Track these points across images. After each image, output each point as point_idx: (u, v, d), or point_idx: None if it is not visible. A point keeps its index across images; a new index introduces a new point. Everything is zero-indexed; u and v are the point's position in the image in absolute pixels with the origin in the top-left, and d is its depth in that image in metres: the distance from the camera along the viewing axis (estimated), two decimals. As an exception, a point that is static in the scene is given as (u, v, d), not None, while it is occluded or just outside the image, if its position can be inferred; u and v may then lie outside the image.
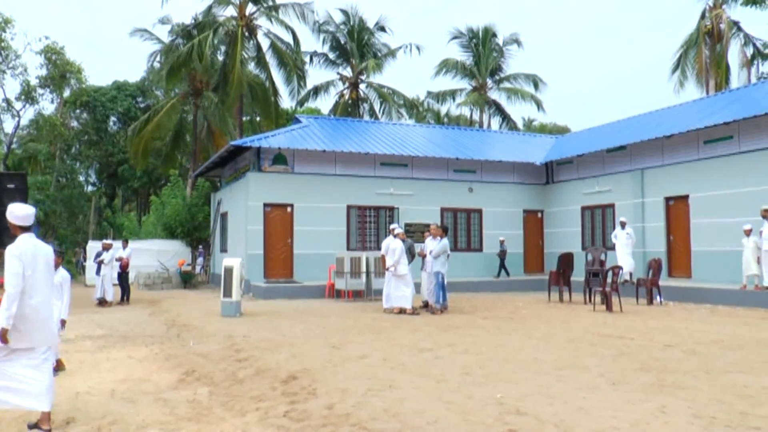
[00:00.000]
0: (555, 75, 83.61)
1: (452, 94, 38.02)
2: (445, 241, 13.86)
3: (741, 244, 15.37)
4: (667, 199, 19.10)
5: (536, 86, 36.99)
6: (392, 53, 34.62)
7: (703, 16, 31.50)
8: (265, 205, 19.54)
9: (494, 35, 36.94)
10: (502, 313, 13.50)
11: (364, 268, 16.91)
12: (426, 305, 14.11)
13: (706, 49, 31.04)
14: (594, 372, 6.94)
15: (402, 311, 13.47)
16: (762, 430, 4.75)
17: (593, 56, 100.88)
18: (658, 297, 15.53)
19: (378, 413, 5.28)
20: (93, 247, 23.56)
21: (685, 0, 59.66)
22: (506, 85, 37.86)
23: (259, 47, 30.10)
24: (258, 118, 35.73)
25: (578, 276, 18.31)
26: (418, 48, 34.35)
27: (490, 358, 7.88)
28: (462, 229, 22.26)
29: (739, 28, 31.76)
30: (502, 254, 21.39)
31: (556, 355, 8.06)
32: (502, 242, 21.60)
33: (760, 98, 18.37)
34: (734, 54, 31.75)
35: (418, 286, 14.71)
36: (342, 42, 33.76)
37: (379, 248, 16.86)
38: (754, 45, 32.47)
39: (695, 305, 15.06)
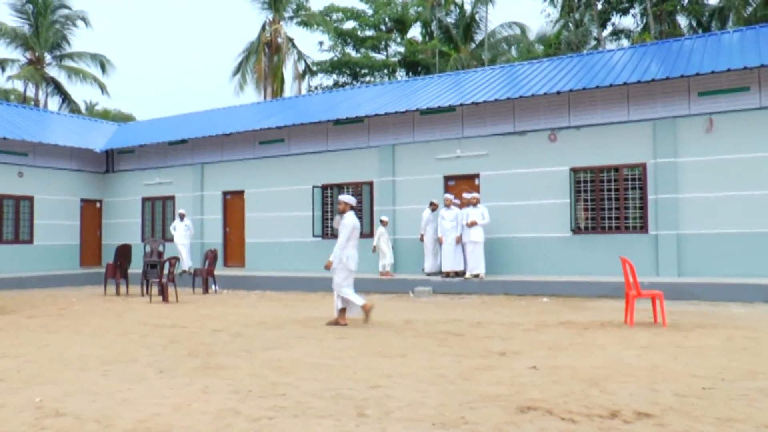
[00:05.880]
0: (124, 59, 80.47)
1: (2, 64, 33.61)
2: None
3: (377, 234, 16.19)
4: (225, 194, 20.20)
5: (104, 68, 35.03)
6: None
7: (264, 28, 34.06)
8: None
9: (58, 6, 33.88)
10: (51, 311, 12.49)
11: None
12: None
13: (266, 59, 33.66)
14: (143, 363, 6.94)
15: None
16: (287, 394, 5.38)
17: (163, 46, 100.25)
18: (213, 286, 16.29)
19: None
20: None
21: (251, 8, 63.26)
22: (69, 63, 35.04)
23: None
24: None
25: (137, 268, 18.08)
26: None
27: (32, 360, 7.23)
28: (9, 218, 19.87)
29: (294, 45, 35.25)
30: None
31: (105, 350, 7.81)
32: None
33: (308, 108, 20.77)
34: (289, 67, 35.14)
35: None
36: None
37: None
38: (306, 62, 36.50)
39: (247, 292, 16.24)
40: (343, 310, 9.70)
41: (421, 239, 15.88)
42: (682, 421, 4.44)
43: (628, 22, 35.13)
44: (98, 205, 22.80)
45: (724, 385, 5.51)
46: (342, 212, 9.85)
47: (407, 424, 4.49)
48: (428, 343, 7.91)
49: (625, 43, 32.64)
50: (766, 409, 4.72)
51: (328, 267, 9.75)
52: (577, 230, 15.17)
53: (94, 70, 35.02)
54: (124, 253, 16.26)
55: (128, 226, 22.16)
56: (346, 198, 9.95)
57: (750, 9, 27.52)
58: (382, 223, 16.12)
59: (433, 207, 15.73)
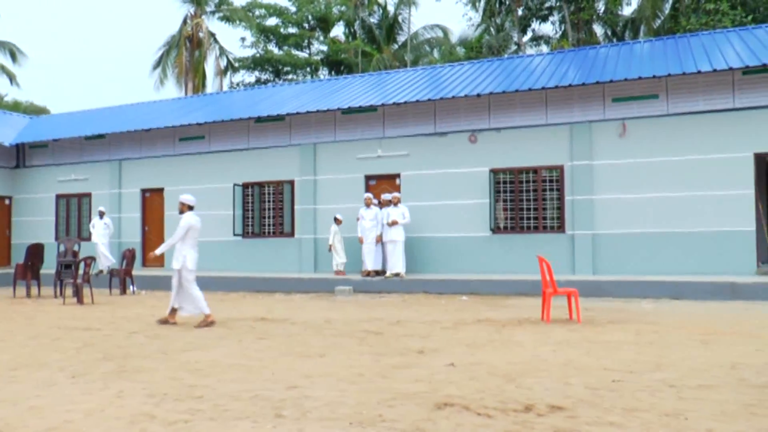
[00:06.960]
0: (37, 49, 76.86)
1: None
2: None
3: (330, 231, 15.97)
4: (144, 191, 19.63)
5: (14, 57, 33.23)
6: None
7: (185, 22, 33.30)
8: None
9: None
10: (-48, 313, 11.84)
11: None
12: None
13: (187, 53, 32.91)
14: (54, 367, 6.66)
15: None
16: (204, 396, 5.28)
17: (80, 36, 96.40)
18: (131, 286, 15.80)
19: None
20: None
21: (171, 1, 61.52)
22: (-27, 51, 33.22)
23: None
24: None
25: (50, 269, 17.31)
26: None
27: (-71, 365, 6.83)
28: None
29: (216, 40, 34.62)
30: None
31: (12, 355, 7.45)
32: None
33: (230, 105, 20.45)
34: (211, 62, 34.48)
35: None
36: None
37: None
38: (228, 58, 35.90)
39: (166, 293, 15.76)
40: (174, 310, 9.98)
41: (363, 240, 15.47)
42: (591, 413, 4.62)
43: (548, 28, 36.26)
44: (7, 202, 21.71)
45: (632, 377, 5.77)
46: (181, 213, 9.97)
47: (325, 423, 4.49)
48: (348, 343, 7.93)
49: (544, 48, 33.67)
50: (668, 399, 4.98)
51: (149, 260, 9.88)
52: (496, 230, 15.53)
53: (3, 59, 33.31)
54: (35, 252, 15.52)
55: (41, 224, 21.20)
56: (184, 198, 10.03)
57: (659, 21, 28.91)
58: (336, 221, 15.98)
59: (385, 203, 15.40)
